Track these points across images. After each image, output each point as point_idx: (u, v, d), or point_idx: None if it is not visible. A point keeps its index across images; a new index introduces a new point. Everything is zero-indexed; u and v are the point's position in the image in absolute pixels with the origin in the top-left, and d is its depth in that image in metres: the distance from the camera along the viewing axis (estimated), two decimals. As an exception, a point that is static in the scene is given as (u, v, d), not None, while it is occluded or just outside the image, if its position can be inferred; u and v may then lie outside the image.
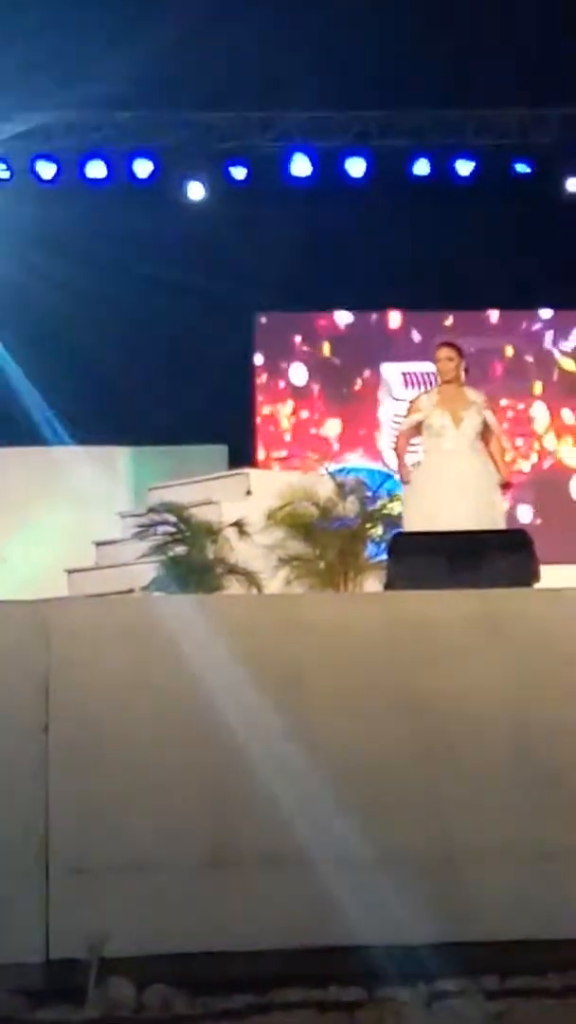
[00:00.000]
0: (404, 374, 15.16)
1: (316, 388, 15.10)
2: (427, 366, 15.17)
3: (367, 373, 15.28)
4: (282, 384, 15.09)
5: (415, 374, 15.13)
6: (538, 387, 15.28)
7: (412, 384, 15.14)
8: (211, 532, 11.68)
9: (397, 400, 15.20)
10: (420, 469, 8.88)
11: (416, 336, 15.31)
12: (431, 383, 15.05)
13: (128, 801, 5.11)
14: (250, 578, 11.29)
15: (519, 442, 15.12)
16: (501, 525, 8.77)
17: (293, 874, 5.01)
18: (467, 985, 4.76)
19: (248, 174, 14.22)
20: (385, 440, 15.18)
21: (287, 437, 15.04)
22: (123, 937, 4.71)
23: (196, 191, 14.20)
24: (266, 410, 14.99)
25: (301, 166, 14.15)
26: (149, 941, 4.81)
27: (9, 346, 13.80)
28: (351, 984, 4.77)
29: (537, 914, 5.02)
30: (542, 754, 5.30)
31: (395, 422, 15.11)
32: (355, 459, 14.62)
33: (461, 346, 9.01)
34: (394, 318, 15.33)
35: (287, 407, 15.09)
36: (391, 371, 15.27)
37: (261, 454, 14.75)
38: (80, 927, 4.74)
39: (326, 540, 11.57)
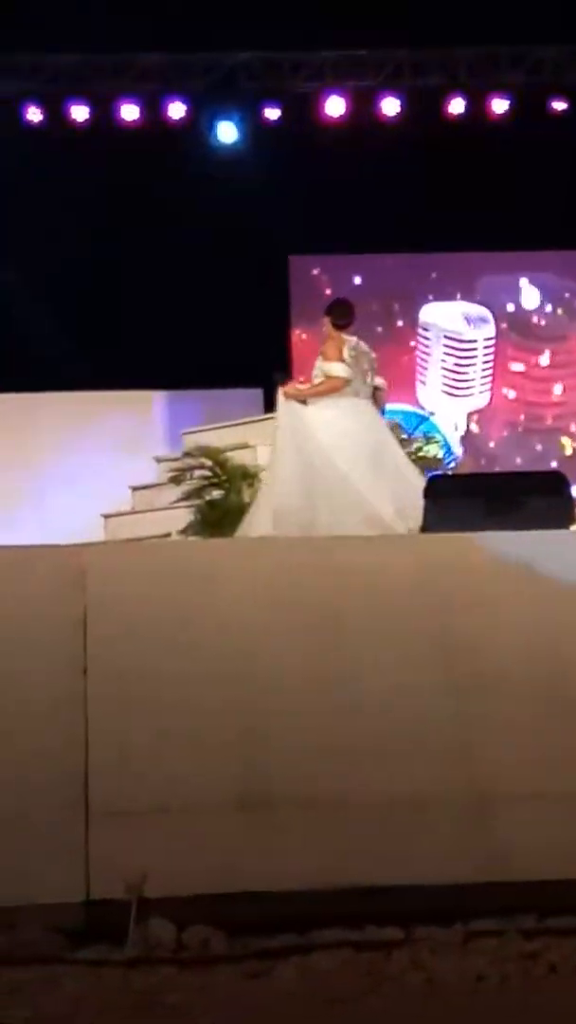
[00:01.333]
0: (466, 316, 15.12)
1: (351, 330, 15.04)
2: (472, 307, 15.15)
3: (403, 315, 15.21)
4: (315, 326, 15.03)
5: (471, 316, 15.12)
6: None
7: (472, 323, 15.11)
8: (247, 476, 11.66)
9: (454, 339, 15.12)
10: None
11: (450, 277, 15.25)
12: (487, 320, 15.02)
13: (166, 742, 5.15)
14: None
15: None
16: None
17: (329, 815, 5.04)
18: (503, 924, 4.78)
19: (281, 115, 14.11)
20: (435, 381, 15.13)
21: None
22: (162, 877, 4.75)
23: (228, 132, 14.10)
24: (300, 352, 14.94)
25: (334, 106, 14.03)
26: (188, 881, 4.85)
27: (43, 289, 13.79)
28: (387, 924, 4.80)
29: (573, 854, 5.03)
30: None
31: (460, 361, 15.08)
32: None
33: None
34: (428, 260, 15.24)
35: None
36: (438, 312, 15.18)
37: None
38: (119, 867, 4.78)
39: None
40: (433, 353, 15.26)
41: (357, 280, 15.19)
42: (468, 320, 15.20)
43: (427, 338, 15.25)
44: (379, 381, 9.01)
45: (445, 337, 15.22)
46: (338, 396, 8.76)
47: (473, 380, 15.13)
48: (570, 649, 5.37)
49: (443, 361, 15.21)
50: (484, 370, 15.19)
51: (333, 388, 8.81)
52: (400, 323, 15.24)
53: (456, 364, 15.16)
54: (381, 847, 4.95)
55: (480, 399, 15.16)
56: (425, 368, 15.26)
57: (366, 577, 5.54)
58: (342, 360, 8.83)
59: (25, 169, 13.66)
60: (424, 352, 15.24)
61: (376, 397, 8.97)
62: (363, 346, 9.04)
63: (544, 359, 15.15)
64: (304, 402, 8.93)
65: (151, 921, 4.75)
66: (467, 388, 15.17)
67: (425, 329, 15.23)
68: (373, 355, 9.10)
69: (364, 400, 8.82)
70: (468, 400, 15.10)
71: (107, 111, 13.96)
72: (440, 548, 5.91)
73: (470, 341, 15.19)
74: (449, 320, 15.23)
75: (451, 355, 15.18)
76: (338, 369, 8.83)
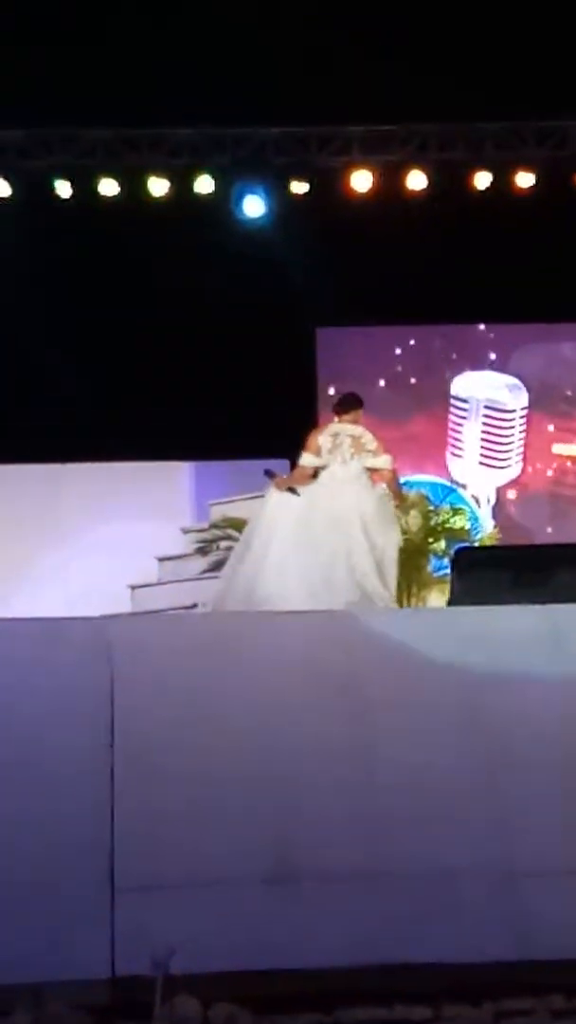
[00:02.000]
0: (508, 385, 15.12)
1: (377, 401, 15.08)
2: (508, 378, 15.16)
3: (432, 386, 15.23)
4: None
5: (511, 385, 15.12)
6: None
7: (512, 392, 15.10)
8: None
9: (496, 408, 15.10)
10: None
11: (478, 349, 15.28)
12: (522, 389, 15.01)
13: (192, 817, 5.12)
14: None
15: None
16: None
17: (357, 890, 5.00)
18: (533, 1004, 4.73)
19: (308, 189, 14.23)
20: (472, 452, 15.08)
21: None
22: (188, 953, 4.71)
23: (255, 207, 14.22)
24: (327, 421, 14.98)
25: (361, 180, 14.15)
26: (214, 958, 4.81)
27: (72, 359, 13.88)
28: (416, 1002, 4.75)
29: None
30: (608, 771, 5.26)
31: (502, 432, 15.05)
32: (417, 472, 14.57)
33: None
34: (456, 331, 15.29)
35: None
36: (475, 382, 15.17)
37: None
38: (145, 942, 4.75)
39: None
40: (469, 424, 15.21)
41: (384, 352, 15.25)
42: (509, 389, 15.19)
43: (464, 409, 15.21)
44: (376, 461, 9.24)
45: (486, 408, 15.18)
46: (315, 482, 9.17)
47: (511, 451, 15.10)
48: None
49: (484, 432, 15.16)
50: (519, 441, 15.18)
51: (300, 475, 9.29)
52: (429, 395, 15.24)
53: (498, 435, 15.12)
54: (410, 923, 4.90)
55: (514, 470, 15.14)
56: (459, 439, 15.21)
57: (390, 650, 5.53)
58: (311, 450, 9.27)
59: (54, 242, 13.78)
60: (458, 423, 15.20)
61: (374, 477, 9.26)
62: (348, 428, 9.31)
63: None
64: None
65: (177, 998, 4.71)
66: (506, 459, 15.12)
67: (462, 400, 15.20)
68: (362, 436, 9.30)
69: (336, 479, 9.15)
70: (505, 472, 15.07)
71: (137, 184, 14.10)
72: (469, 621, 5.89)
73: (510, 411, 15.16)
74: (490, 389, 15.19)
75: (492, 425, 15.13)
76: (303, 459, 9.34)
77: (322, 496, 9.12)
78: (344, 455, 9.19)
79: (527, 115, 14.01)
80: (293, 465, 13.64)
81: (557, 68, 13.11)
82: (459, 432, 15.19)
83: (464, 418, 15.16)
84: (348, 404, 9.55)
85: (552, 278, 13.80)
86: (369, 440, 9.28)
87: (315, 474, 9.30)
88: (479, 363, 15.23)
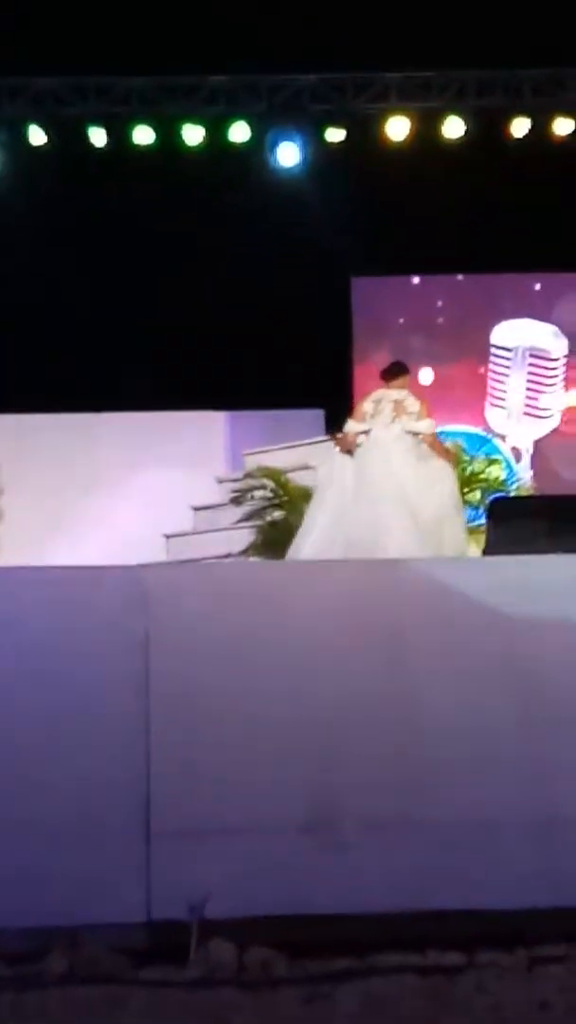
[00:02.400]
0: (554, 333, 14.93)
1: (412, 350, 15.01)
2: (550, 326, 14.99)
3: (469, 337, 15.13)
4: (379, 348, 15.02)
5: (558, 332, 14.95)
6: None
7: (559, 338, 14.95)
8: (308, 497, 11.65)
9: (542, 356, 14.93)
10: None
11: (517, 298, 15.16)
12: (562, 338, 14.84)
13: (228, 764, 5.14)
14: (348, 543, 11.26)
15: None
16: None
17: (393, 837, 5.01)
18: (568, 950, 4.74)
19: (345, 137, 14.13)
20: (515, 402, 14.93)
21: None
22: (224, 899, 4.74)
23: (290, 155, 14.12)
24: (362, 373, 14.93)
25: (398, 127, 14.04)
26: (250, 903, 4.84)
27: (109, 309, 13.87)
28: (450, 948, 4.76)
29: None
30: None
31: (547, 380, 14.89)
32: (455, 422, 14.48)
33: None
34: (493, 281, 15.17)
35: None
36: (519, 330, 15.01)
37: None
38: (181, 888, 4.77)
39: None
40: (514, 373, 15.05)
41: (419, 301, 15.16)
42: (554, 336, 15.00)
43: (506, 358, 15.05)
44: (417, 425, 9.48)
45: (531, 355, 15.01)
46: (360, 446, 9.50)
47: (554, 400, 14.91)
48: None
49: (529, 380, 14.99)
50: (561, 391, 15.01)
51: (346, 441, 9.65)
52: (467, 345, 15.14)
53: (541, 383, 14.95)
54: (445, 869, 4.91)
55: (555, 420, 15.00)
56: (502, 389, 15.06)
57: (429, 598, 5.52)
58: (356, 417, 9.63)
59: (91, 189, 13.75)
60: (500, 372, 15.05)
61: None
62: (392, 394, 9.58)
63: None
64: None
65: (212, 942, 4.74)
66: (548, 408, 14.95)
67: (504, 349, 15.05)
68: (405, 400, 9.56)
69: (379, 441, 9.41)
70: (547, 422, 14.92)
71: (172, 132, 14.03)
72: (505, 570, 5.87)
73: (554, 359, 14.98)
74: (534, 337, 15.02)
75: (536, 374, 14.96)
76: (347, 425, 9.70)
77: (366, 458, 9.39)
78: (385, 419, 9.44)
79: (566, 62, 13.86)
80: (328, 416, 13.70)
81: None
82: (502, 382, 15.04)
83: (507, 367, 15.01)
84: (395, 371, 9.81)
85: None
86: (411, 403, 9.52)
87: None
88: (518, 314, 15.10)
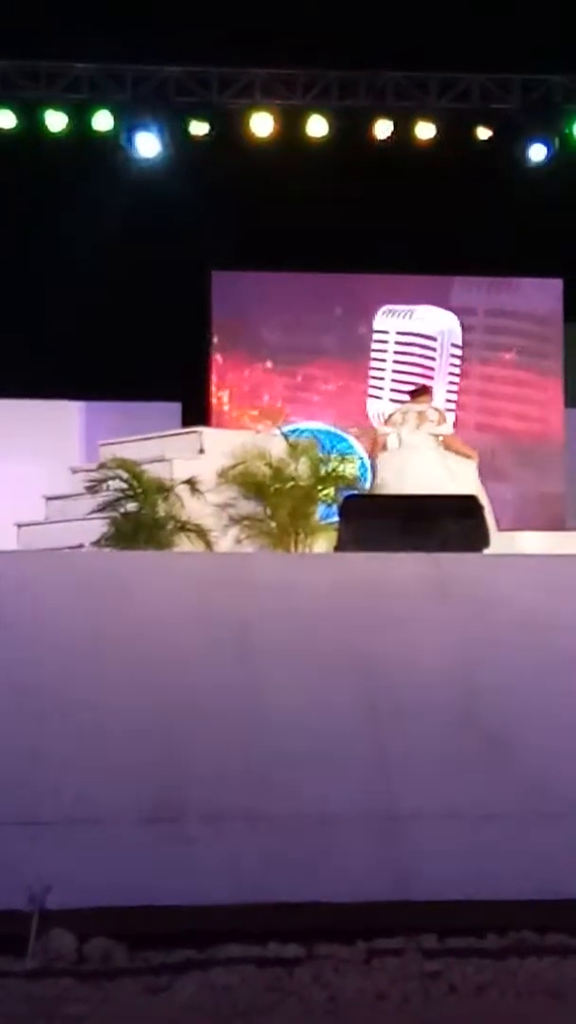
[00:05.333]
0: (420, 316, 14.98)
1: (271, 347, 15.06)
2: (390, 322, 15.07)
3: (328, 333, 15.20)
4: (237, 343, 15.04)
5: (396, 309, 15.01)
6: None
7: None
8: (163, 489, 11.66)
9: (408, 333, 14.93)
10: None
11: (373, 298, 15.27)
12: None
13: (72, 753, 5.12)
14: (201, 536, 11.28)
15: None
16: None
17: (236, 829, 5.03)
18: (405, 944, 4.79)
19: (208, 130, 14.13)
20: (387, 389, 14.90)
21: (243, 395, 14.98)
22: (64, 889, 4.72)
23: (149, 145, 14.06)
24: (220, 368, 14.94)
25: (261, 124, 14.06)
26: (91, 893, 4.82)
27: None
28: (290, 941, 4.79)
29: (477, 875, 5.06)
30: (487, 717, 5.34)
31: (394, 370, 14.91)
32: (309, 420, 14.54)
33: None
34: (353, 280, 15.26)
35: (242, 365, 15.03)
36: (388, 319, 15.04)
37: (214, 413, 14.70)
38: (21, 878, 4.74)
39: (277, 500, 11.58)
40: (387, 359, 15.05)
41: (278, 298, 15.20)
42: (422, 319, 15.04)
43: (380, 343, 15.01)
44: (438, 429, 11.22)
45: (397, 335, 15.03)
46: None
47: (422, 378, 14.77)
48: (482, 670, 5.40)
49: (395, 362, 15.02)
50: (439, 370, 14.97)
51: (375, 444, 11.51)
52: (324, 342, 15.19)
53: (414, 366, 14.97)
54: (287, 862, 4.95)
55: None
56: (380, 379, 15.06)
57: (278, 593, 5.55)
58: (387, 424, 11.47)
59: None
60: (376, 361, 15.03)
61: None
62: (416, 407, 11.37)
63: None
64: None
65: (52, 932, 4.71)
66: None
67: (380, 334, 15.01)
68: (426, 411, 11.29)
69: (410, 447, 11.05)
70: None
71: (34, 118, 13.90)
72: (354, 567, 5.92)
73: (430, 336, 14.97)
74: (401, 322, 15.05)
75: (403, 352, 14.98)
76: (380, 429, 11.68)
77: (399, 456, 11.04)
78: (411, 426, 11.13)
79: (428, 66, 14.01)
80: (185, 409, 13.70)
81: (461, 24, 13.13)
82: (378, 371, 15.01)
83: (382, 353, 15.01)
84: (419, 392, 11.82)
85: (447, 232, 13.84)
86: (432, 413, 11.35)
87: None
88: (373, 314, 15.21)
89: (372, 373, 15.04)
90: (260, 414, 14.39)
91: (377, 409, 14.75)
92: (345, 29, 13.16)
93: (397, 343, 15.03)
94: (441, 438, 11.12)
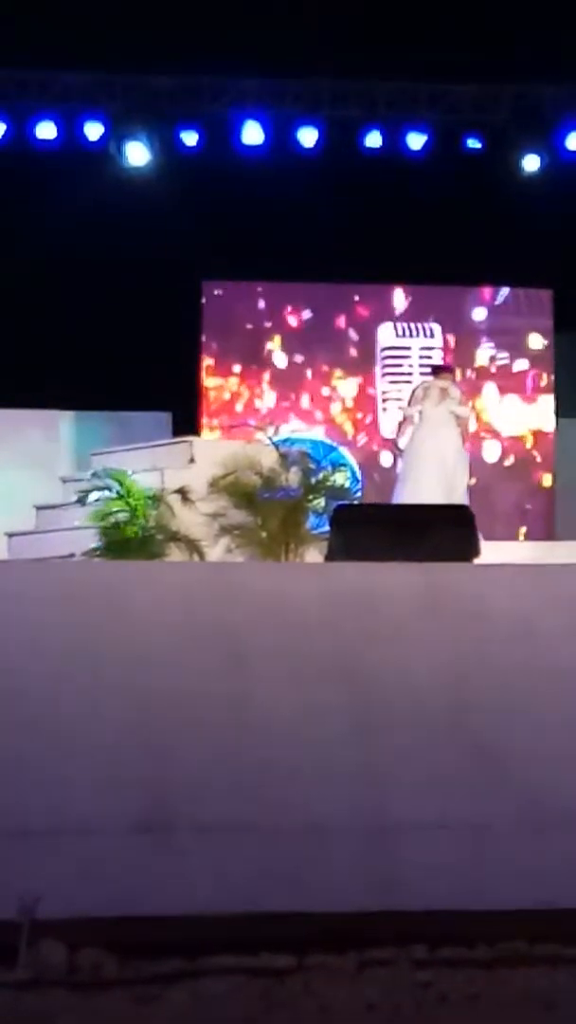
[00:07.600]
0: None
1: (261, 357, 15.06)
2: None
3: (319, 343, 15.18)
4: (228, 353, 15.04)
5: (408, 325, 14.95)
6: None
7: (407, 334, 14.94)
8: (153, 499, 11.66)
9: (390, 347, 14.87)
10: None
11: (366, 307, 15.26)
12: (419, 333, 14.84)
13: (62, 764, 5.11)
14: (191, 546, 11.28)
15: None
16: None
17: (226, 840, 5.03)
18: (396, 954, 4.79)
19: (199, 140, 14.14)
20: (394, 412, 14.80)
21: (235, 408, 14.97)
22: (55, 899, 4.71)
23: (139, 155, 14.06)
24: (211, 379, 14.95)
25: (252, 133, 14.08)
26: (81, 904, 4.82)
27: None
28: (281, 951, 4.79)
29: (468, 885, 5.06)
30: (478, 728, 5.34)
31: (394, 373, 14.84)
32: (300, 430, 14.52)
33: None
34: (346, 289, 15.24)
35: (233, 376, 15.03)
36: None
37: (205, 423, 14.69)
38: (12, 888, 4.74)
39: (268, 510, 11.58)
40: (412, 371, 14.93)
41: (271, 308, 15.18)
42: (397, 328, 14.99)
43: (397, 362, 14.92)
44: (457, 409, 12.13)
45: (383, 350, 14.97)
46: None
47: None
48: (473, 680, 5.40)
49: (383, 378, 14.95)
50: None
51: (404, 423, 12.52)
52: (315, 352, 15.16)
53: (393, 375, 14.90)
54: (278, 873, 4.95)
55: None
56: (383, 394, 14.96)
57: (270, 603, 5.55)
58: (411, 402, 12.38)
59: None
60: (400, 375, 14.92)
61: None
62: (439, 382, 12.21)
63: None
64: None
65: (43, 943, 4.71)
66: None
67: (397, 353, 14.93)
68: (448, 388, 12.17)
69: (431, 421, 12.03)
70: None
71: (23, 128, 13.90)
72: (345, 577, 5.92)
73: (405, 348, 14.89)
74: (390, 336, 14.99)
75: (388, 366, 14.92)
76: (405, 411, 12.69)
77: (420, 432, 12.03)
78: (433, 401, 12.00)
79: (422, 77, 14.05)
80: (176, 419, 13.73)
81: (453, 34, 13.18)
82: (402, 383, 14.86)
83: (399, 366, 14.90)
84: (440, 369, 12.67)
85: (438, 242, 13.87)
86: (454, 390, 12.18)
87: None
88: (373, 323, 15.16)
89: (391, 385, 14.84)
90: (251, 424, 14.37)
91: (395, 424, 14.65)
92: (336, 39, 13.18)
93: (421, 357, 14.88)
94: (459, 421, 12.03)
